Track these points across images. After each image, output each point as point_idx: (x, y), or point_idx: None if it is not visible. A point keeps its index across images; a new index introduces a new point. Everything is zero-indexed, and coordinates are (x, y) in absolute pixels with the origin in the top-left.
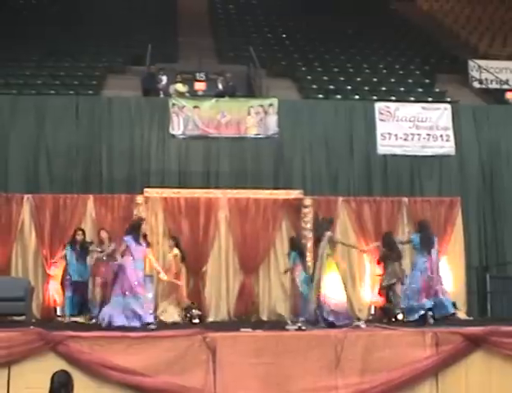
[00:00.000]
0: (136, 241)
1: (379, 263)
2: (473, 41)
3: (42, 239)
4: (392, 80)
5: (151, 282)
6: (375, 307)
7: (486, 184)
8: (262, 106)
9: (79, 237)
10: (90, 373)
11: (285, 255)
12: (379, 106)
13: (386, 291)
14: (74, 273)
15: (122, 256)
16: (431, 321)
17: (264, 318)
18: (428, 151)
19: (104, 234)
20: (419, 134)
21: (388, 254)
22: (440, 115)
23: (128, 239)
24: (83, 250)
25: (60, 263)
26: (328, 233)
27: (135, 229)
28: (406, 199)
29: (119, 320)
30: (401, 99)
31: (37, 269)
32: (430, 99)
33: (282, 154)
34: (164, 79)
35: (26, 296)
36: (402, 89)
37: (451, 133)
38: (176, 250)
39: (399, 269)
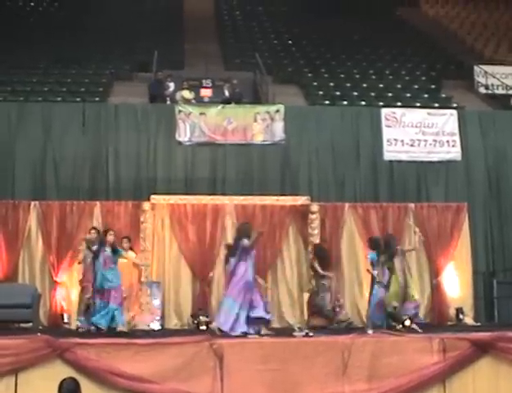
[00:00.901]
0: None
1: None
2: (479, 47)
3: (49, 246)
4: (399, 86)
5: (158, 288)
6: None
7: (492, 189)
8: (268, 112)
9: (111, 238)
10: (97, 380)
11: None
12: (385, 111)
13: (313, 297)
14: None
15: (239, 260)
16: None
17: (271, 324)
18: (435, 157)
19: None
20: (425, 140)
21: (320, 264)
22: (446, 120)
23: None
24: (114, 252)
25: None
26: (399, 248)
27: (245, 233)
28: (412, 205)
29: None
30: (408, 105)
31: (44, 276)
32: (436, 105)
33: (289, 160)
34: (172, 85)
35: (33, 303)
36: (408, 95)
37: (457, 138)
38: (132, 253)
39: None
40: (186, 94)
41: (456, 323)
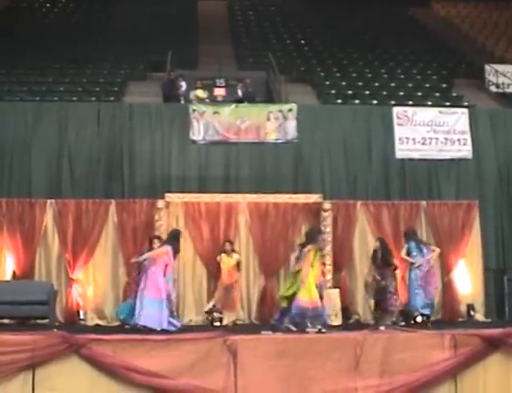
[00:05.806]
0: None
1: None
2: (490, 46)
3: (65, 243)
4: (410, 85)
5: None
6: None
7: (503, 187)
8: (281, 111)
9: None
10: (113, 376)
11: None
12: (396, 110)
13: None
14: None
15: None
16: None
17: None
18: (446, 155)
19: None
20: (436, 138)
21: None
22: (457, 119)
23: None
24: None
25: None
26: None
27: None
28: (424, 202)
29: None
30: (419, 104)
31: (60, 273)
32: (447, 103)
33: (301, 158)
34: (183, 85)
35: (49, 300)
36: (420, 94)
37: (468, 136)
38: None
39: None
40: (200, 93)
41: (467, 320)
